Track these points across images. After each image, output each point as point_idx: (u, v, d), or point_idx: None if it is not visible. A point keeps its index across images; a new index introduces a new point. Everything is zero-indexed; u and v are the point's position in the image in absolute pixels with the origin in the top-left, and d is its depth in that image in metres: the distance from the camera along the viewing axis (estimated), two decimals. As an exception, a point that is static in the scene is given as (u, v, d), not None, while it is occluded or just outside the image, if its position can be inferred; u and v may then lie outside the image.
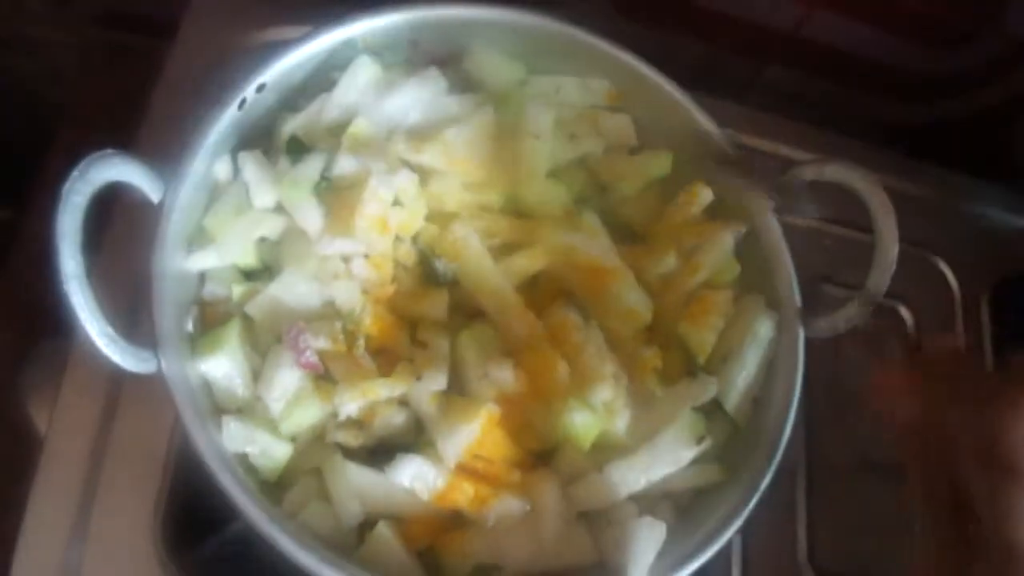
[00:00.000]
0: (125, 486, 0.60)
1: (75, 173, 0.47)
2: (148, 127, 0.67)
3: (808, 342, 0.60)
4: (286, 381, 0.53)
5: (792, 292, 0.61)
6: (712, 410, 0.59)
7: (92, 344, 0.47)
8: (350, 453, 0.54)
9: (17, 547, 0.57)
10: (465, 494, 0.53)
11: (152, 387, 0.60)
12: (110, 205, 0.63)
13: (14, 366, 0.77)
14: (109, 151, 0.50)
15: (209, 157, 0.55)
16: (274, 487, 0.53)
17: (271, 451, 0.52)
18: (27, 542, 0.57)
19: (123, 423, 0.61)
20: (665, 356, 0.59)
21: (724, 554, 0.69)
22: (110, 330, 0.48)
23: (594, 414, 0.54)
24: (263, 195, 0.56)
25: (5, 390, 0.77)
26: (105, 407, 0.61)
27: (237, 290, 0.56)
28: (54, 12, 0.94)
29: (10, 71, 0.99)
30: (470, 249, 0.58)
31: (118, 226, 0.64)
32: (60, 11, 0.93)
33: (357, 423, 0.54)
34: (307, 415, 0.53)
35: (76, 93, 0.92)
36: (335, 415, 0.53)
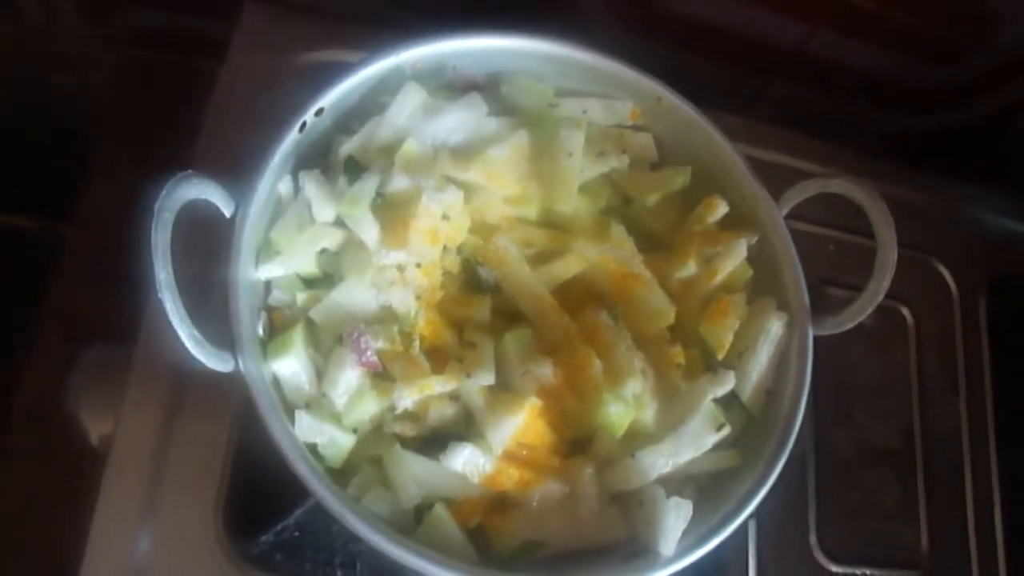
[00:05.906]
0: (188, 481, 0.64)
1: (164, 192, 0.52)
2: (203, 145, 0.71)
3: (815, 340, 0.65)
4: (348, 378, 0.58)
5: (801, 294, 0.66)
6: (729, 401, 0.65)
7: (181, 346, 0.51)
8: (406, 443, 0.58)
9: (89, 537, 0.61)
10: (511, 478, 0.58)
11: (211, 389, 0.63)
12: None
13: (60, 371, 0.80)
14: (190, 172, 0.54)
15: (274, 176, 0.60)
16: (338, 474, 0.58)
17: (337, 441, 0.57)
18: (98, 533, 0.61)
19: (185, 423, 0.65)
20: (687, 353, 0.64)
21: (740, 536, 0.75)
22: (197, 333, 0.52)
23: (626, 405, 0.59)
24: (324, 211, 0.61)
25: (53, 393, 0.80)
26: (168, 408, 0.65)
27: (301, 297, 0.60)
28: (90, 29, 0.96)
29: (47, 87, 1.01)
30: (510, 257, 0.63)
31: (179, 241, 0.68)
32: (96, 28, 0.96)
33: (412, 415, 0.59)
34: (367, 409, 0.58)
35: (113, 110, 0.94)
36: (392, 408, 0.58)
